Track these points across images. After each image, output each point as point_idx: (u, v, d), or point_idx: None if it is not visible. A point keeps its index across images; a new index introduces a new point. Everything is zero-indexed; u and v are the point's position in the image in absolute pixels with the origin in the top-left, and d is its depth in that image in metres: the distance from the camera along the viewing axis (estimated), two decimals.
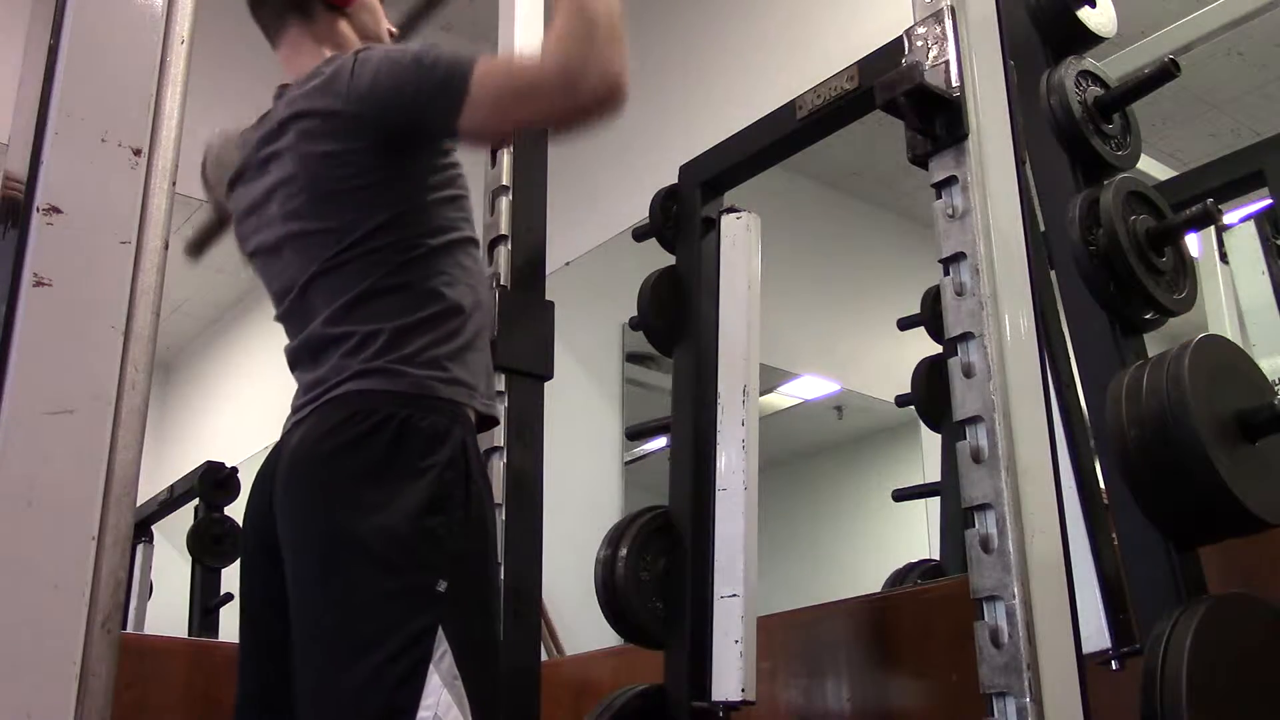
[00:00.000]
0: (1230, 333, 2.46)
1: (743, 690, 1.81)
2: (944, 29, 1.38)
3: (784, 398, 4.68)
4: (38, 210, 0.86)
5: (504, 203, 2.03)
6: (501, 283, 1.94)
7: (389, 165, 1.44)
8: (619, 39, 1.33)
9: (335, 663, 1.27)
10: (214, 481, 3.63)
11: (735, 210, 2.10)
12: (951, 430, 1.38)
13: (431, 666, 1.25)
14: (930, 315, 2.40)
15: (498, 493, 1.81)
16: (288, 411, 1.47)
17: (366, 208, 1.43)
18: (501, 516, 1.81)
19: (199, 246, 1.79)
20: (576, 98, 1.33)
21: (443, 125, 1.41)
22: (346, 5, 1.59)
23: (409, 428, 1.34)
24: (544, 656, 2.09)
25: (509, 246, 2.00)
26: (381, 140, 1.43)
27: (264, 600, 1.42)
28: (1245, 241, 2.46)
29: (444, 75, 1.38)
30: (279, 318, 1.54)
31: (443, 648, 1.26)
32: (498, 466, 1.86)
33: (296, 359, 1.49)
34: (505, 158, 2.06)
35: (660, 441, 2.46)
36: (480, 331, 1.50)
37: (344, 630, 1.28)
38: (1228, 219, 2.47)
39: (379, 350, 1.38)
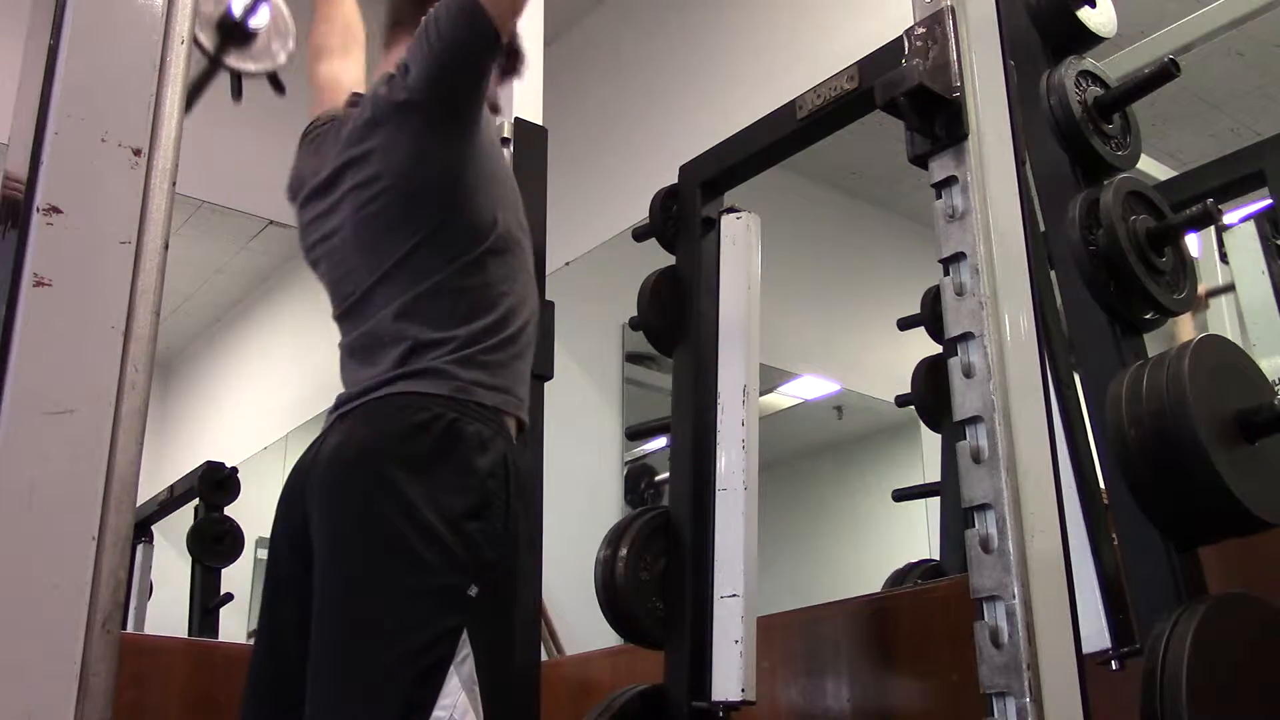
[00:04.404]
0: (1230, 333, 2.46)
1: (743, 690, 1.81)
2: (944, 29, 1.38)
3: (784, 398, 4.67)
4: (38, 210, 0.86)
5: None
6: None
7: (465, 134, 1.46)
8: None
9: (358, 651, 1.28)
10: (214, 481, 3.62)
11: (735, 210, 2.10)
12: (951, 430, 1.38)
13: (453, 668, 1.26)
14: (930, 315, 2.39)
15: None
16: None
17: (442, 198, 1.45)
18: None
19: (189, 98, 1.79)
20: None
21: (490, 36, 1.41)
22: None
23: (455, 431, 1.36)
24: (544, 656, 2.10)
25: None
26: (457, 99, 1.44)
27: (285, 590, 1.43)
28: (1245, 241, 2.46)
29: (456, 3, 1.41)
30: (337, 317, 1.56)
31: (465, 650, 1.27)
32: None
33: (349, 356, 1.51)
34: (506, 158, 2.06)
35: (660, 441, 2.46)
36: (531, 343, 1.52)
37: (371, 621, 1.29)
38: (1228, 219, 2.47)
39: (431, 354, 1.40)
